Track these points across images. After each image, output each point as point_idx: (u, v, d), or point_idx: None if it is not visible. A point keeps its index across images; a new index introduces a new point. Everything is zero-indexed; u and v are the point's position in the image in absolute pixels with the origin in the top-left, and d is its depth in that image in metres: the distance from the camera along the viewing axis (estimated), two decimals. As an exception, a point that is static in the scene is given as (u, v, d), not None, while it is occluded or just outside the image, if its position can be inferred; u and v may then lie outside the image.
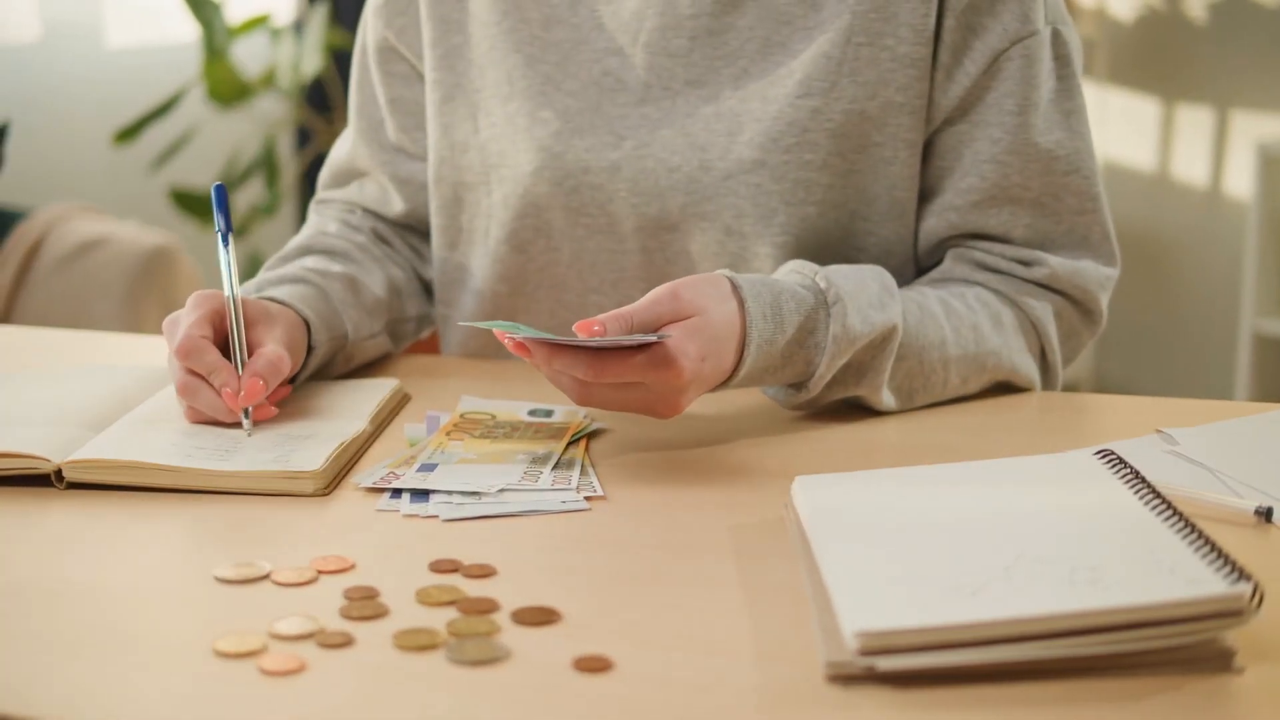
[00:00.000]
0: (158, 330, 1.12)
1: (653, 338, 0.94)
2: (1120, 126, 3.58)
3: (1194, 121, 3.49)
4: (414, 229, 1.34)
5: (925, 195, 1.18)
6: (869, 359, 1.07)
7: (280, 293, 1.14)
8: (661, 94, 1.17)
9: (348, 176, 1.36)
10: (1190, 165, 3.51)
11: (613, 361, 0.95)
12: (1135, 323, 3.64)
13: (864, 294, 1.06)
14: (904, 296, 1.10)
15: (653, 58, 1.17)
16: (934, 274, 1.19)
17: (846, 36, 1.13)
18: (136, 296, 2.49)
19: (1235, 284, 3.39)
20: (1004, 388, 1.17)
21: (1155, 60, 3.54)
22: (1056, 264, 1.16)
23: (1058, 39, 1.15)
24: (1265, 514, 0.87)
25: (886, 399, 1.09)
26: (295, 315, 1.12)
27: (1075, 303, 1.18)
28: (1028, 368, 1.16)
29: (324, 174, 1.38)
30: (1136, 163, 3.58)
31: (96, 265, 2.52)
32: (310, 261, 1.23)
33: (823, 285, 1.05)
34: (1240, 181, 3.43)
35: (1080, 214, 1.16)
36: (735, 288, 1.02)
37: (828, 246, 1.17)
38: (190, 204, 3.09)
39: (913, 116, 1.14)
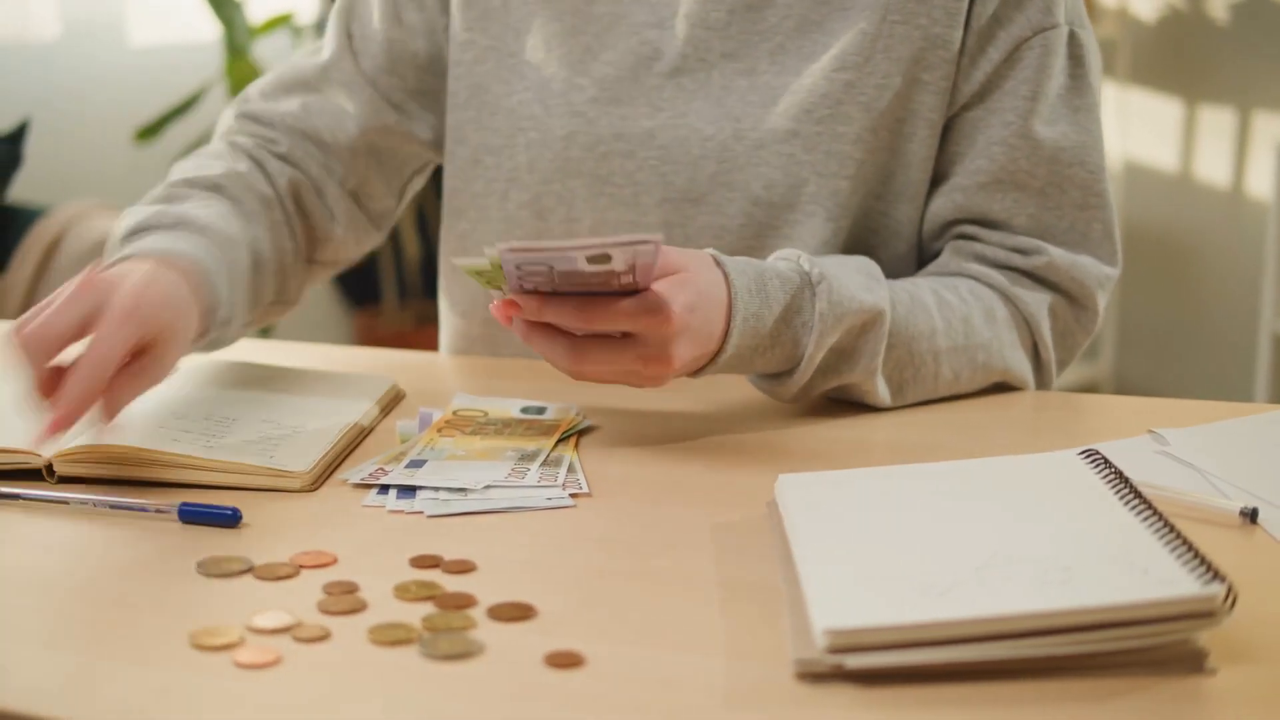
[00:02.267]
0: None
1: (644, 236, 0.91)
2: (1141, 127, 3.56)
3: (1215, 122, 3.47)
4: (361, 153, 1.28)
5: (936, 179, 1.19)
6: (858, 343, 1.07)
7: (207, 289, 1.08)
8: (697, 65, 1.19)
9: (301, 87, 1.28)
10: (1211, 166, 3.49)
11: (601, 307, 0.95)
12: (1155, 323, 3.62)
13: (849, 277, 1.07)
14: (896, 286, 1.11)
15: (691, 29, 1.19)
16: (930, 267, 1.20)
17: (882, 15, 1.15)
18: (153, 294, 2.50)
19: (1256, 285, 3.37)
20: (998, 386, 1.17)
21: (1177, 61, 3.52)
22: (1056, 254, 1.16)
23: (1074, 40, 1.16)
24: (1250, 515, 0.87)
25: (880, 389, 1.09)
26: (195, 308, 1.05)
27: (1071, 298, 1.18)
28: (1019, 363, 1.16)
29: (266, 81, 1.30)
30: (1157, 163, 3.56)
31: (114, 262, 2.54)
32: (219, 223, 1.14)
33: (807, 267, 1.06)
34: (1261, 182, 3.41)
35: (1082, 208, 1.17)
36: (719, 262, 1.02)
37: (849, 229, 1.18)
38: (210, 202, 3.10)
39: (937, 97, 1.16)
